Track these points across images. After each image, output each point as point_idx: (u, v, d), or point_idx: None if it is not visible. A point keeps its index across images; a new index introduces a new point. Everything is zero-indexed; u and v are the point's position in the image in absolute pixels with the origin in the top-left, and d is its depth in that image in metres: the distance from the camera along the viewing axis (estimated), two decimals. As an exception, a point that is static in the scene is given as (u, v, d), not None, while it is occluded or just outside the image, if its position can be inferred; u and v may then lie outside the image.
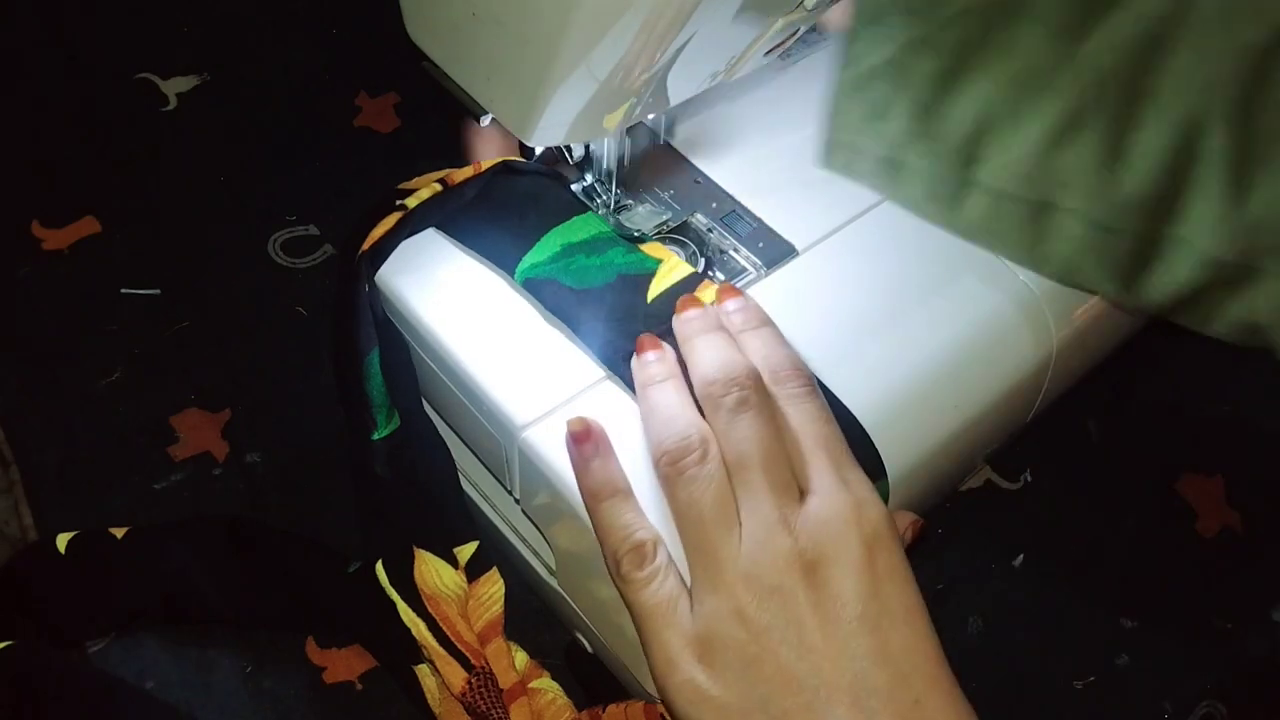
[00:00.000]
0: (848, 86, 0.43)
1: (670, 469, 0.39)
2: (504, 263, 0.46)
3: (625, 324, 0.43)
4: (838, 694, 0.34)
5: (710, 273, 0.48)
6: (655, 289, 0.45)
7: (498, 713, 0.44)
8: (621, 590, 0.38)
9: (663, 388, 0.41)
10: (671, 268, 0.45)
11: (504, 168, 0.47)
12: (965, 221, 0.44)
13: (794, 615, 0.35)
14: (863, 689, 0.34)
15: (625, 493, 0.39)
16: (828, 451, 0.39)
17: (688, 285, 0.45)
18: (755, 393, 0.39)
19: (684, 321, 0.43)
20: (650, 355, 0.42)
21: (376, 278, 0.47)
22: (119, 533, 0.47)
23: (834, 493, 0.37)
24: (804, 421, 0.39)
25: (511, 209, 0.47)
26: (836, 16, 0.46)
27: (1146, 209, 0.40)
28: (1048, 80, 0.40)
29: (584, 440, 0.40)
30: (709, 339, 0.42)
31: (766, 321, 0.43)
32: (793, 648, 0.35)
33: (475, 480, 0.49)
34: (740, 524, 0.37)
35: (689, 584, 0.37)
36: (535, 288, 0.45)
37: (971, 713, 0.35)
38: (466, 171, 0.47)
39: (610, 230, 0.46)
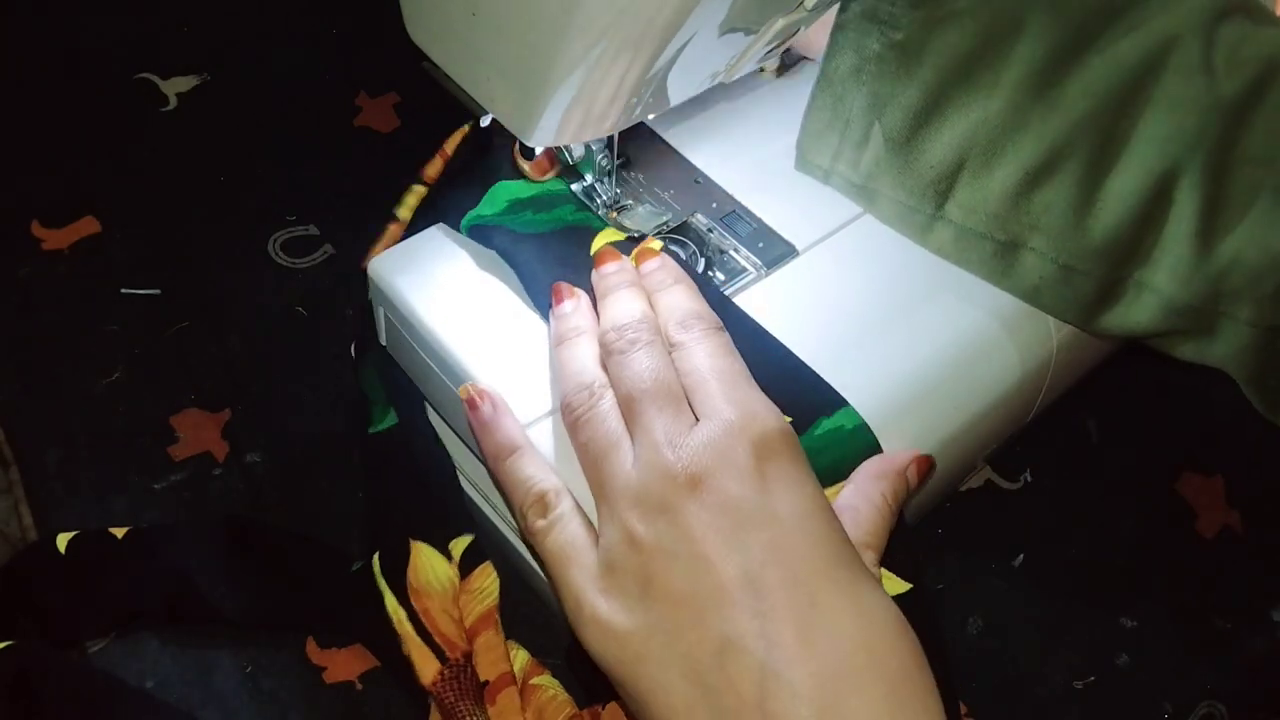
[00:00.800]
0: (822, 109, 0.44)
1: (568, 417, 0.40)
2: (452, 220, 0.47)
3: (562, 271, 0.45)
4: (728, 600, 0.34)
5: (710, 272, 0.48)
6: (598, 243, 0.46)
7: (465, 705, 0.44)
8: (530, 543, 0.39)
9: (573, 343, 0.42)
10: (618, 233, 0.47)
11: (472, 142, 0.48)
12: (934, 246, 0.45)
13: (682, 530, 0.35)
14: (754, 591, 0.34)
15: (525, 448, 0.40)
16: (721, 379, 0.39)
17: (629, 245, 0.46)
18: (647, 333, 0.40)
19: (601, 277, 0.44)
20: (566, 307, 0.43)
21: (376, 277, 0.47)
22: (119, 533, 0.47)
23: (721, 411, 0.38)
24: (702, 356, 0.40)
25: (469, 174, 0.48)
26: (816, 40, 0.46)
27: (1114, 253, 0.41)
28: (1023, 123, 0.41)
29: (476, 405, 0.41)
30: (620, 293, 0.43)
31: (681, 279, 0.44)
32: (682, 562, 0.35)
33: (475, 480, 0.49)
34: (633, 455, 0.37)
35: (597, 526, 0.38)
36: (481, 234, 0.46)
37: (882, 609, 0.35)
38: (437, 162, 0.48)
39: (561, 188, 0.47)
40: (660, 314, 0.42)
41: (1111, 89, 0.40)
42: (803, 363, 0.43)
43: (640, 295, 0.43)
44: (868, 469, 0.41)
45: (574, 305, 0.43)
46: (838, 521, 0.37)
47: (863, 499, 0.40)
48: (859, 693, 0.33)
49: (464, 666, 0.45)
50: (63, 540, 0.47)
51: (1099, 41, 0.41)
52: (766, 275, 0.48)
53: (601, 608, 0.36)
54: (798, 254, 0.48)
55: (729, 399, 0.38)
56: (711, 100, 0.53)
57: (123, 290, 0.59)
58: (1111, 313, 0.43)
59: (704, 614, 0.34)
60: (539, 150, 0.49)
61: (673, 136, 0.52)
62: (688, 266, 0.46)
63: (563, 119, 0.41)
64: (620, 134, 0.47)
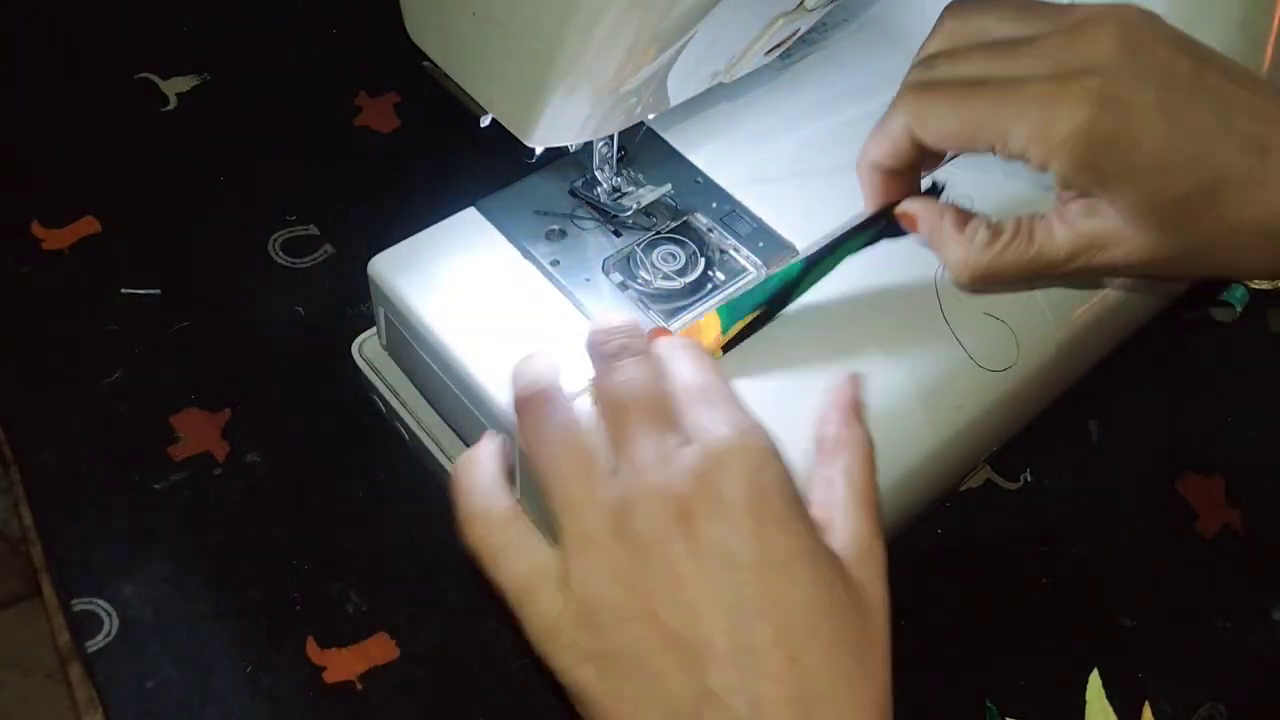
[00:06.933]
0: None
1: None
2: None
3: None
4: (713, 652, 0.32)
5: (710, 272, 0.48)
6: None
7: None
8: (488, 574, 0.37)
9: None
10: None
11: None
12: None
13: (671, 569, 0.33)
14: (739, 646, 0.32)
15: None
16: (708, 397, 0.36)
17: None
18: (639, 342, 0.38)
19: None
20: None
21: (376, 277, 0.47)
22: None
23: (715, 437, 0.35)
24: (687, 371, 0.37)
25: None
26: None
27: None
28: None
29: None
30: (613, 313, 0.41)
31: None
32: (670, 603, 0.33)
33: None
34: (616, 474, 0.35)
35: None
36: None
37: (861, 667, 0.33)
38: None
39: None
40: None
41: None
42: None
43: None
44: (818, 452, 0.39)
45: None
46: (824, 560, 0.34)
47: (829, 486, 0.38)
48: None
49: None
50: None
51: None
52: (766, 275, 0.48)
53: (580, 638, 0.34)
54: (798, 254, 0.48)
55: (723, 422, 0.35)
56: (711, 100, 0.53)
57: (123, 290, 0.59)
58: None
59: (688, 662, 0.32)
60: (539, 150, 0.49)
61: (673, 136, 0.52)
62: (688, 268, 0.46)
63: (563, 119, 0.41)
64: (620, 133, 0.47)
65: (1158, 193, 0.38)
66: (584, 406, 0.39)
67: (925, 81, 0.41)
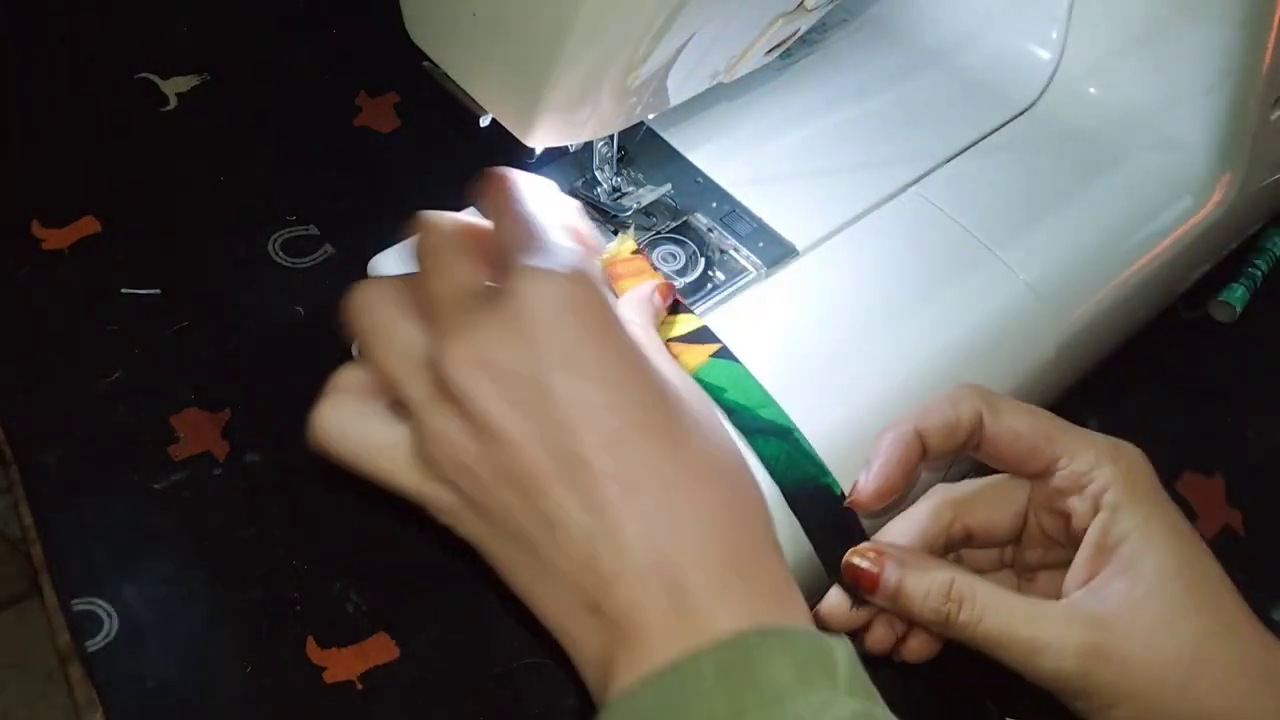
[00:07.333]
0: None
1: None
2: None
3: None
4: (543, 479, 0.33)
5: (710, 272, 0.48)
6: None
7: None
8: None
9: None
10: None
11: None
12: None
13: (480, 414, 0.33)
14: (566, 463, 0.33)
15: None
16: (524, 226, 0.36)
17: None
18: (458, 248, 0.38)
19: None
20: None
21: (376, 276, 0.47)
22: None
23: (517, 267, 0.35)
24: (507, 223, 0.37)
25: None
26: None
27: None
28: None
29: None
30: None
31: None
32: (489, 450, 0.34)
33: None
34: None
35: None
36: None
37: (705, 453, 0.34)
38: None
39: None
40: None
41: None
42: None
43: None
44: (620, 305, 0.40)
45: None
46: (646, 363, 0.35)
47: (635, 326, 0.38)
48: (690, 541, 0.32)
49: None
50: None
51: None
52: (767, 275, 0.48)
53: (433, 493, 0.35)
54: (798, 254, 0.48)
55: (528, 249, 0.35)
56: (711, 100, 0.53)
57: (123, 290, 0.59)
58: None
59: (526, 494, 0.33)
60: (539, 150, 0.49)
61: (673, 136, 0.52)
62: (688, 268, 0.46)
63: (563, 119, 0.41)
64: (620, 133, 0.47)
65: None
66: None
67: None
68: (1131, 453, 0.40)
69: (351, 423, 0.37)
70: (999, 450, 0.41)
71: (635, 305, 0.41)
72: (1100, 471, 0.39)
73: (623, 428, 0.33)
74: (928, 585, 0.38)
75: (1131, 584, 0.37)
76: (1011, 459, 0.41)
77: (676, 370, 0.38)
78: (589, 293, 0.35)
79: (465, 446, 0.34)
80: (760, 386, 0.42)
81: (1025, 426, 0.40)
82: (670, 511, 0.33)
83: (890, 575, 0.38)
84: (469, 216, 0.39)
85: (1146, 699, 0.36)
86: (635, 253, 0.46)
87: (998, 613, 0.37)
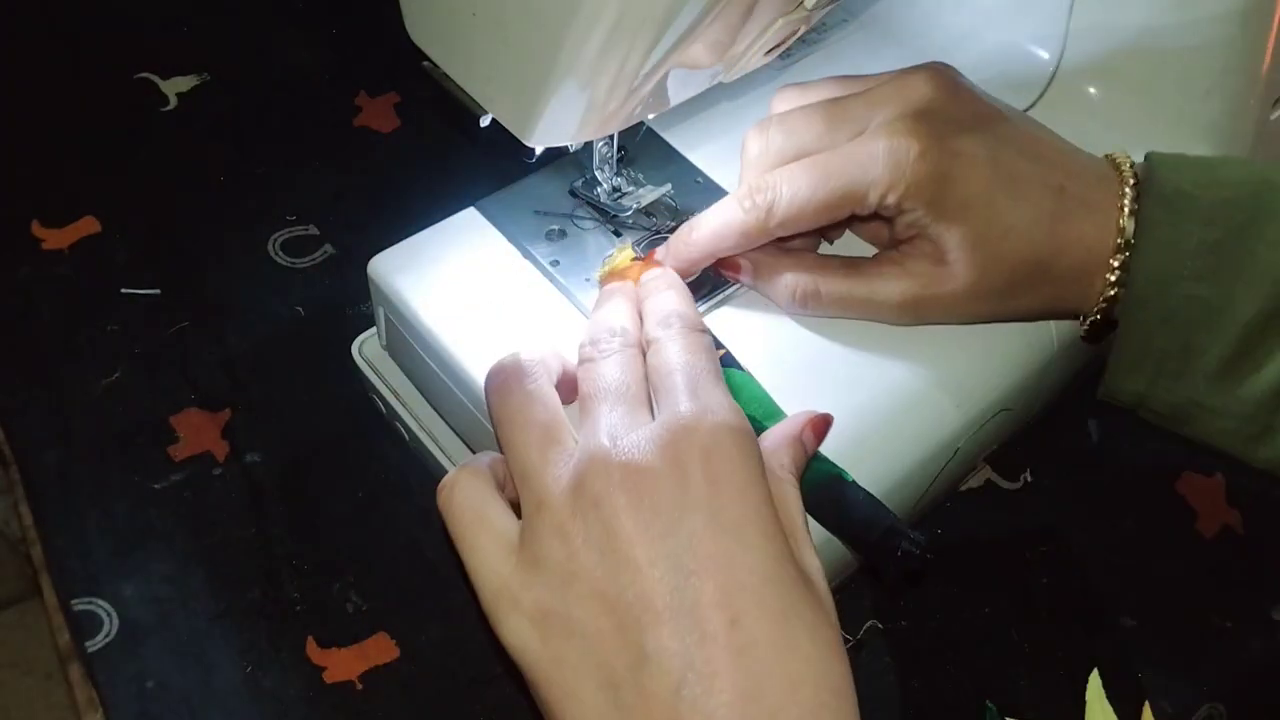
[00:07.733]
0: (1129, 348, 0.43)
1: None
2: None
3: None
4: (651, 612, 0.32)
5: (710, 272, 0.48)
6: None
7: None
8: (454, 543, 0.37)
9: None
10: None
11: None
12: (1265, 460, 0.43)
13: (611, 529, 0.33)
14: (679, 606, 0.32)
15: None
16: (686, 374, 0.37)
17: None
18: (620, 344, 0.39)
19: (603, 293, 0.44)
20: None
21: (376, 277, 0.47)
22: None
23: (676, 406, 0.35)
24: (674, 352, 0.38)
25: None
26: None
27: None
28: None
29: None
30: (606, 304, 0.42)
31: (675, 284, 0.43)
32: (609, 563, 0.33)
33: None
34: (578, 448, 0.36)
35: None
36: None
37: (816, 646, 0.33)
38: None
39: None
40: (645, 316, 0.41)
41: None
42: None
43: (627, 306, 0.42)
44: (764, 440, 0.39)
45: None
46: (780, 534, 0.34)
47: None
48: None
49: None
50: None
51: None
52: (766, 275, 0.48)
53: (525, 598, 0.34)
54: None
55: (688, 394, 0.36)
56: (711, 100, 0.53)
57: (123, 290, 0.59)
58: None
59: (626, 624, 0.32)
60: (539, 149, 0.49)
61: (673, 136, 0.52)
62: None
63: (563, 119, 0.41)
64: (620, 133, 0.47)
65: (987, 224, 0.41)
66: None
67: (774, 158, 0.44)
68: (914, 140, 0.41)
69: (477, 497, 0.37)
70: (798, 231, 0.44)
71: (785, 447, 0.39)
72: (894, 187, 0.41)
73: (746, 592, 0.32)
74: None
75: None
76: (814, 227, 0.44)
77: (805, 535, 0.37)
78: (746, 445, 0.35)
79: (580, 552, 0.33)
80: (768, 396, 0.42)
81: (817, 196, 0.42)
82: (765, 688, 0.32)
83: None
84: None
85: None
86: (635, 259, 0.46)
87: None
